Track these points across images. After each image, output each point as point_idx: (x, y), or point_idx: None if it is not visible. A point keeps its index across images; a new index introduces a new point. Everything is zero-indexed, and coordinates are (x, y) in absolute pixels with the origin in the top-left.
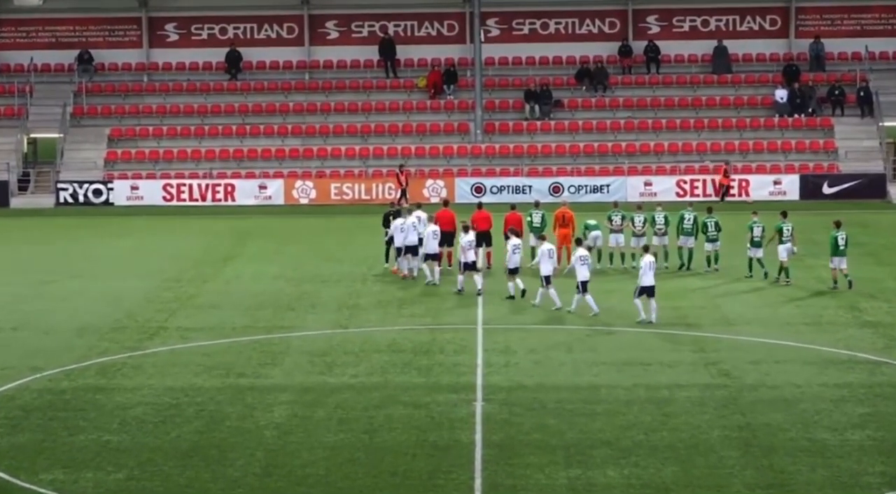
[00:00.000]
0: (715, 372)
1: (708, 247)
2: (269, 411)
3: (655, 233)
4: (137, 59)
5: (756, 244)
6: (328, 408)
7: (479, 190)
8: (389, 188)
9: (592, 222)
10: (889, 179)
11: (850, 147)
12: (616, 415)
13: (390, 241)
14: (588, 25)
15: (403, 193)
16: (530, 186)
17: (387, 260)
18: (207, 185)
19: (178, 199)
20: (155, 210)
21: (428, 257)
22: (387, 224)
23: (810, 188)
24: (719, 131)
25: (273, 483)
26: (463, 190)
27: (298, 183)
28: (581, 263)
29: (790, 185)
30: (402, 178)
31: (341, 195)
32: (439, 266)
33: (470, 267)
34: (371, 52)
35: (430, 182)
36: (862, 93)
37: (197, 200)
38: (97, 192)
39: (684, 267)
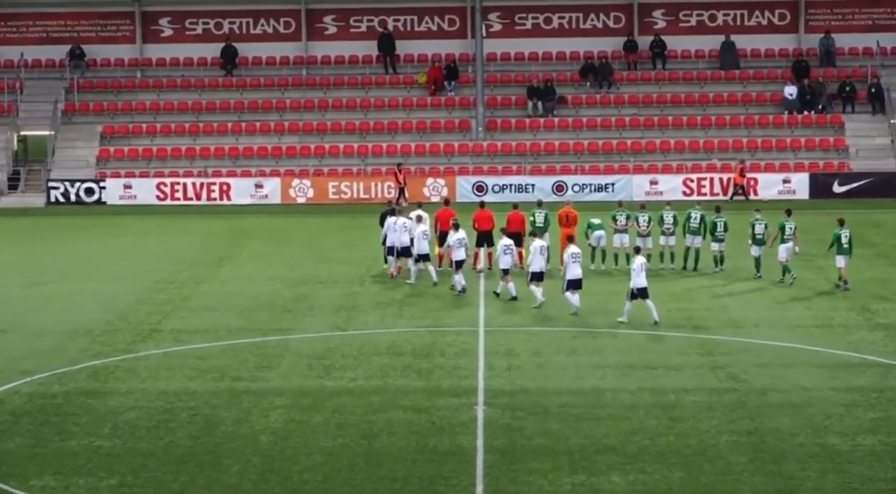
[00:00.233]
0: (722, 376)
1: (714, 246)
2: (266, 415)
3: (663, 233)
4: (130, 54)
5: (758, 242)
6: (326, 413)
7: (480, 189)
8: (389, 187)
9: (596, 221)
10: None
11: (861, 145)
12: (621, 420)
13: (385, 241)
14: (592, 20)
15: (401, 192)
16: (533, 185)
17: (385, 261)
18: (202, 184)
19: (173, 198)
20: (148, 209)
21: (419, 258)
22: (384, 223)
23: (820, 187)
24: (727, 129)
25: (269, 489)
26: (464, 189)
27: (295, 181)
28: (573, 260)
29: (800, 184)
30: (401, 177)
31: (339, 194)
32: (439, 266)
33: (460, 265)
34: (370, 48)
35: (430, 181)
36: (873, 90)
37: (191, 199)
38: (89, 191)
39: (690, 268)
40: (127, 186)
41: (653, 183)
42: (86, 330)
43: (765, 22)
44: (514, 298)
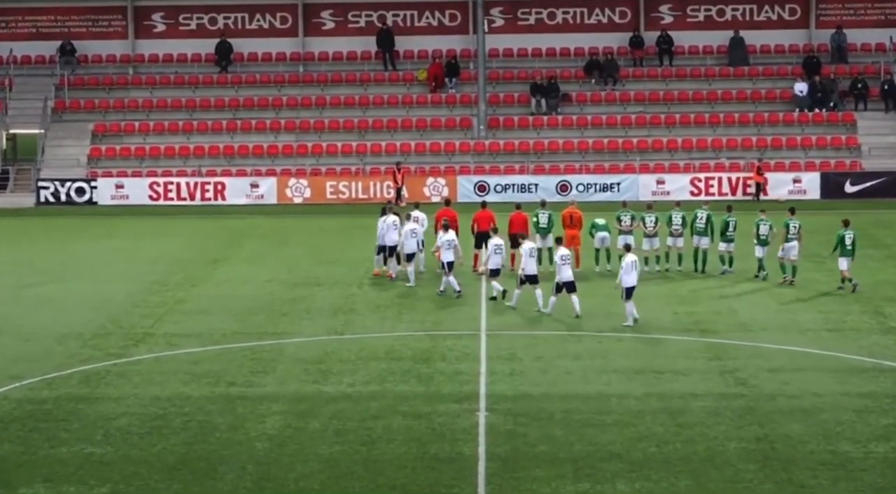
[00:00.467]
0: (731, 381)
1: (722, 246)
2: (261, 421)
3: (671, 234)
4: (122, 50)
5: (763, 242)
6: (323, 419)
7: (482, 188)
8: (388, 186)
9: (601, 222)
10: None
11: (874, 143)
12: (627, 426)
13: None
14: (597, 15)
15: (399, 192)
16: (536, 185)
17: (385, 263)
18: (196, 184)
19: (166, 199)
20: (141, 210)
21: (408, 258)
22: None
23: (832, 187)
24: (735, 127)
25: None
26: (465, 188)
27: (292, 181)
28: (562, 263)
29: (810, 184)
30: (399, 177)
31: (337, 194)
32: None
33: (450, 267)
34: (369, 44)
35: (430, 180)
36: (886, 87)
37: (185, 199)
38: (80, 191)
39: (699, 269)
40: (119, 186)
41: (659, 182)
42: (77, 333)
43: (775, 17)
44: (494, 298)
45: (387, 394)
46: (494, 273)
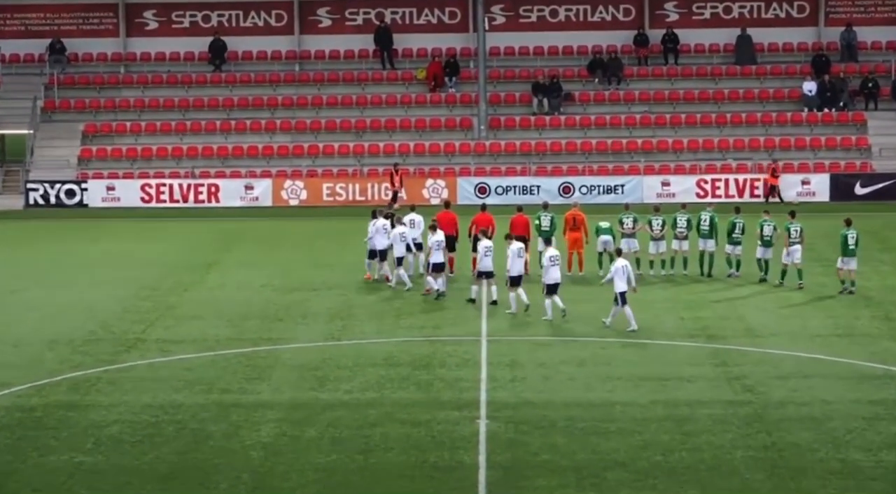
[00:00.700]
0: (739, 388)
1: (729, 249)
2: (256, 430)
3: (676, 237)
4: (114, 48)
5: (766, 243)
6: (320, 427)
7: (482, 190)
8: (386, 188)
9: (605, 225)
10: None
11: (885, 144)
12: (631, 434)
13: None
14: (601, 12)
15: (394, 196)
16: (538, 186)
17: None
18: (189, 186)
19: (158, 201)
20: (132, 212)
21: (398, 261)
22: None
23: (841, 188)
24: (743, 127)
25: None
26: (466, 190)
27: (288, 183)
28: (551, 264)
29: (820, 185)
30: (397, 179)
31: (334, 196)
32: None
33: (437, 268)
34: (366, 42)
35: (430, 182)
36: None
37: (178, 202)
38: (70, 193)
39: (705, 273)
40: (110, 188)
41: (664, 184)
42: (67, 339)
43: (783, 14)
44: (472, 301)
45: (385, 402)
46: (480, 275)
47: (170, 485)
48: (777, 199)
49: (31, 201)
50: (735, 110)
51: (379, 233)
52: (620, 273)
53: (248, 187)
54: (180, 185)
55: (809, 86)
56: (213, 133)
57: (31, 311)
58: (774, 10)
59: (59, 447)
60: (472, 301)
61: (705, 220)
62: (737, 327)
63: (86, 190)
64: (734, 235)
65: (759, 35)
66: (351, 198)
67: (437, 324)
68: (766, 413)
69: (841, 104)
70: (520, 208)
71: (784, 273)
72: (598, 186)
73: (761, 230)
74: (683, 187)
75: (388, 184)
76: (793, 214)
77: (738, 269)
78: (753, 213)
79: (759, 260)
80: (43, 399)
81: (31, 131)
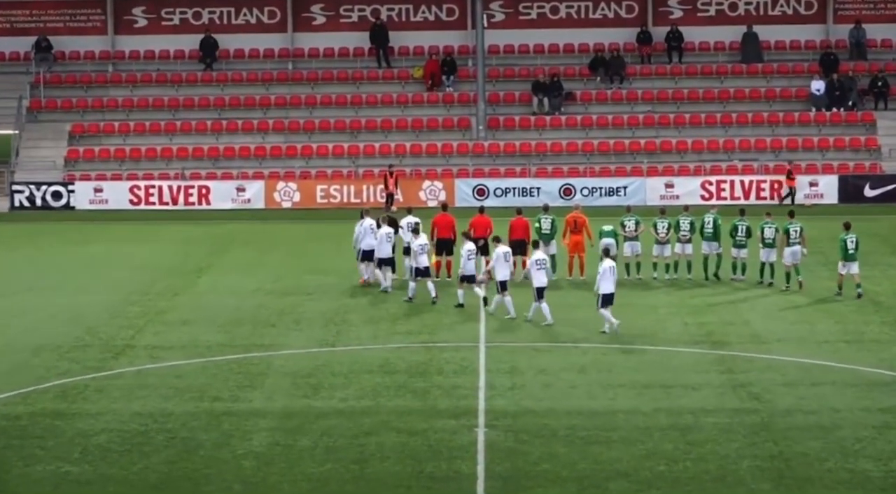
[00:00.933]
0: (745, 396)
1: (734, 252)
2: (248, 439)
3: (679, 240)
4: (102, 46)
5: (768, 245)
6: (313, 436)
7: (481, 192)
8: (382, 190)
9: (608, 228)
10: None
11: (895, 144)
12: (634, 444)
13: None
14: (603, 9)
15: (390, 198)
16: (538, 188)
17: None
18: (179, 187)
19: (147, 203)
20: (121, 215)
21: (381, 263)
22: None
23: (850, 190)
24: (749, 127)
25: None
26: (464, 192)
27: (280, 184)
28: (537, 268)
29: (828, 187)
30: (391, 182)
31: (328, 198)
32: (437, 276)
33: (422, 273)
34: (361, 39)
35: (427, 184)
36: None
37: (168, 204)
38: (56, 195)
39: (712, 276)
40: (98, 190)
41: (668, 186)
42: (53, 345)
43: (790, 11)
44: (461, 305)
45: (380, 410)
46: (469, 278)
47: None
48: (791, 203)
49: (17, 203)
50: (741, 110)
51: (367, 233)
52: (608, 274)
53: (240, 189)
54: (170, 187)
55: (817, 86)
56: (203, 133)
57: (16, 317)
58: (781, 6)
59: (45, 456)
60: (462, 305)
61: (709, 223)
62: (742, 332)
63: (73, 192)
64: (738, 238)
65: (766, 32)
66: (345, 200)
67: (434, 330)
68: (773, 422)
69: (850, 104)
70: (519, 210)
71: (788, 276)
72: (600, 188)
73: (762, 232)
74: (687, 189)
75: (383, 187)
76: (791, 214)
77: (743, 273)
78: (758, 216)
79: (763, 263)
80: (29, 407)
81: (17, 131)
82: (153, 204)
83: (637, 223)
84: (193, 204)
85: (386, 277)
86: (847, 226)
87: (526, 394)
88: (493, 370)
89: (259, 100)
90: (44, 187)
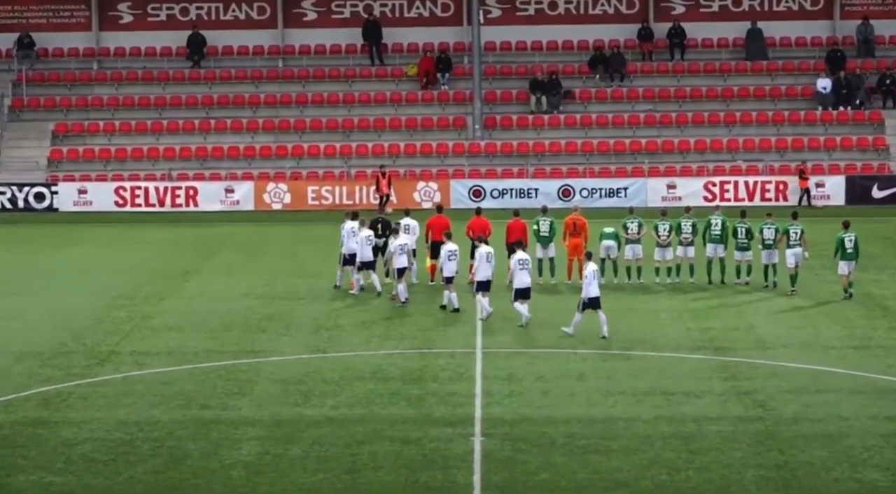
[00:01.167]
0: (749, 403)
1: (737, 255)
2: (237, 448)
3: (681, 243)
4: (86, 43)
5: (768, 246)
6: (304, 445)
7: (477, 194)
8: (375, 192)
9: (609, 230)
10: None
11: None
12: (635, 452)
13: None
14: (603, 5)
15: (383, 200)
16: (536, 190)
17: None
18: (166, 189)
19: (133, 205)
20: (106, 217)
21: (362, 266)
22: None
23: (858, 191)
24: (753, 126)
25: None
26: (459, 193)
27: (270, 185)
28: (520, 267)
29: (835, 188)
30: (384, 183)
31: (319, 199)
32: (431, 280)
33: (401, 273)
34: (354, 36)
35: (421, 184)
36: None
37: (154, 206)
38: (39, 197)
39: (717, 281)
40: (82, 191)
41: (670, 187)
42: (35, 352)
43: (796, 7)
44: (457, 310)
45: (374, 418)
46: (449, 280)
47: None
48: (806, 204)
49: None
50: (745, 109)
51: (349, 237)
52: (591, 277)
53: (229, 190)
54: (157, 188)
55: (824, 83)
56: (191, 133)
57: None
58: (787, 2)
59: (27, 466)
60: (444, 307)
61: (716, 225)
62: (746, 338)
63: (56, 193)
64: (739, 240)
65: (771, 29)
66: (338, 201)
67: (429, 336)
68: (778, 430)
69: (857, 102)
70: (517, 212)
71: (793, 278)
72: (600, 189)
73: (762, 233)
74: (690, 190)
75: (375, 189)
76: (794, 215)
77: (748, 276)
78: (759, 218)
79: (766, 266)
80: (10, 415)
81: None
82: (139, 205)
83: (640, 225)
84: (181, 205)
85: (374, 280)
86: (846, 225)
87: (523, 402)
88: (490, 376)
89: (248, 98)
90: (26, 188)
